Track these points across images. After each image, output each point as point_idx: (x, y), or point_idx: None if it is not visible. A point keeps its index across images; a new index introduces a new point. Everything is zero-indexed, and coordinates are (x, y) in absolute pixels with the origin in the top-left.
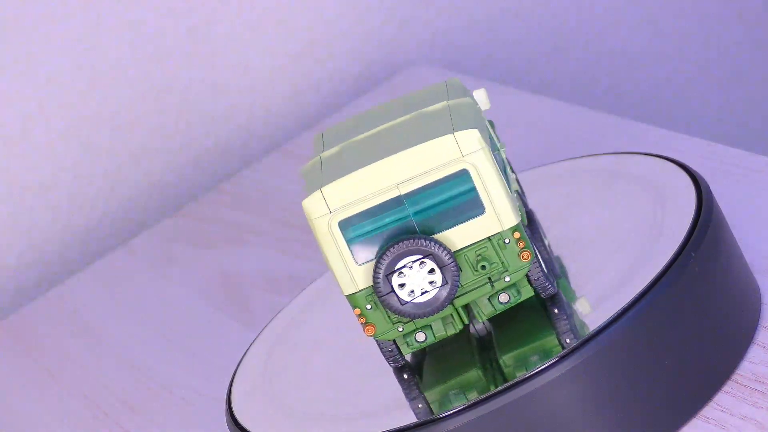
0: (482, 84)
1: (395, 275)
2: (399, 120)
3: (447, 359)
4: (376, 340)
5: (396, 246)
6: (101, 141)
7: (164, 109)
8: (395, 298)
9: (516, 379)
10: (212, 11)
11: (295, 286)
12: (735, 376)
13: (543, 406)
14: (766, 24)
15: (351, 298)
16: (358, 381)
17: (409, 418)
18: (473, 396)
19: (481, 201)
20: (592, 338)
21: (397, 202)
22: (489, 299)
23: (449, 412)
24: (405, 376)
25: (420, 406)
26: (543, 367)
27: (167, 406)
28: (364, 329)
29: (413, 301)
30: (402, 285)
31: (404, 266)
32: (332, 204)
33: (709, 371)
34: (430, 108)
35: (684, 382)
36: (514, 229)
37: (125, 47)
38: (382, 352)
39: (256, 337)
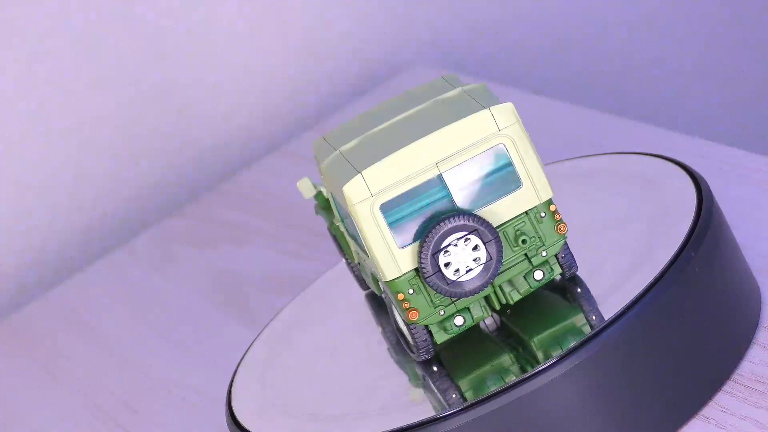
0: None
1: (441, 254)
2: (415, 109)
3: (468, 351)
4: (410, 331)
5: (441, 224)
6: (101, 141)
7: (164, 109)
8: (442, 277)
9: (516, 379)
10: (212, 11)
11: (295, 286)
12: (735, 376)
13: (543, 406)
14: (766, 24)
15: (393, 283)
16: (358, 381)
17: (410, 418)
18: (510, 378)
19: (518, 175)
20: (592, 338)
21: (436, 181)
22: (525, 276)
23: (449, 412)
24: (434, 368)
25: (454, 395)
26: (543, 367)
27: (167, 406)
28: (407, 314)
29: (459, 279)
30: (447, 264)
31: (450, 244)
32: (373, 187)
33: (709, 371)
34: (446, 95)
35: (684, 382)
36: (550, 202)
37: (125, 47)
38: (415, 343)
39: (256, 337)
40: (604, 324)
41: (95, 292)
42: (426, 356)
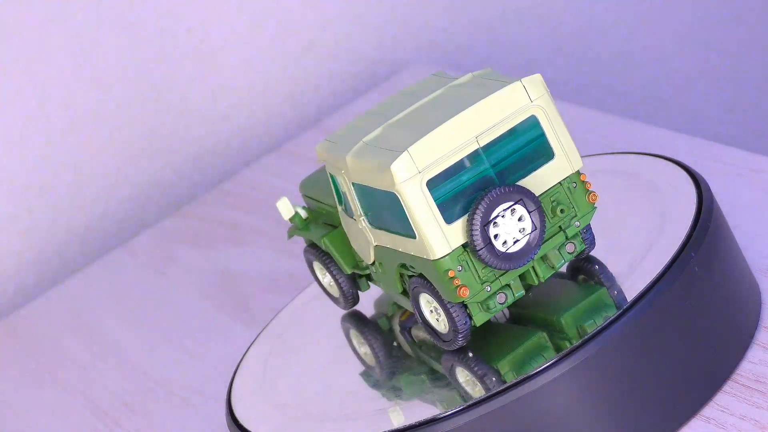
0: None
1: (490, 226)
2: (431, 97)
3: (491, 339)
4: (451, 315)
5: (489, 195)
6: (101, 141)
7: (164, 109)
8: (492, 249)
9: (516, 380)
10: (212, 11)
11: (295, 286)
12: (735, 376)
13: (543, 406)
14: (766, 24)
15: (440, 262)
16: (358, 381)
17: (410, 418)
18: (550, 355)
19: (550, 145)
20: (592, 338)
21: (475, 155)
22: (558, 249)
23: (449, 412)
24: (470, 353)
25: (494, 378)
26: (543, 367)
27: (167, 406)
28: (458, 292)
29: (508, 251)
30: (495, 236)
31: (497, 216)
32: (420, 163)
33: (709, 371)
34: (458, 81)
35: (684, 382)
36: (579, 172)
37: (125, 47)
38: (455, 328)
39: (256, 337)
40: (604, 324)
41: (95, 292)
42: (463, 342)
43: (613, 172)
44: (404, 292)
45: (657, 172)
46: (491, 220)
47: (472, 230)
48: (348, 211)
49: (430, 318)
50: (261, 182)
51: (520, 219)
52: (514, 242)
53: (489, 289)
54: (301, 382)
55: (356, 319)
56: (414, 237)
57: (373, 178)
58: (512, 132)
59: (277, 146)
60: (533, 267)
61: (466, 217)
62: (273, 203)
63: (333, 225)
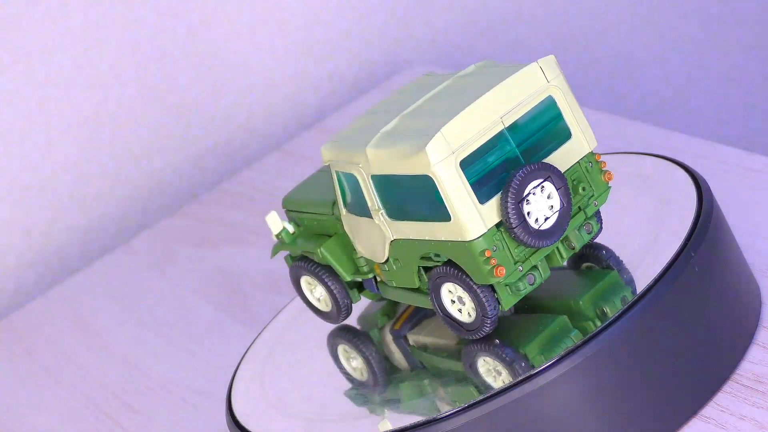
0: None
1: (523, 204)
2: (440, 88)
3: (513, 326)
4: (480, 299)
5: (521, 172)
6: (101, 141)
7: (164, 109)
8: (527, 227)
9: (516, 380)
10: (212, 11)
11: None
12: (735, 376)
13: (543, 406)
14: (765, 24)
15: (475, 243)
16: (358, 381)
17: (410, 418)
18: (578, 338)
19: (567, 125)
20: (592, 338)
21: (501, 135)
22: (578, 230)
23: (449, 413)
24: (497, 340)
25: (523, 364)
26: (543, 367)
27: (167, 406)
28: (494, 272)
29: (540, 228)
30: (528, 214)
31: (529, 193)
32: (453, 144)
33: (709, 371)
34: (464, 72)
35: (684, 382)
36: (592, 152)
37: (125, 47)
38: (485, 314)
39: (256, 337)
40: (604, 324)
41: (95, 292)
42: (491, 328)
43: (613, 172)
44: (416, 290)
45: (657, 172)
46: (524, 198)
47: (508, 207)
48: (357, 211)
49: (452, 309)
50: (261, 182)
51: (548, 197)
52: (545, 219)
53: (521, 269)
54: (301, 382)
55: (346, 333)
56: (448, 219)
57: (400, 165)
58: (533, 112)
59: (277, 146)
60: (558, 247)
61: (498, 196)
62: (273, 203)
63: (324, 235)
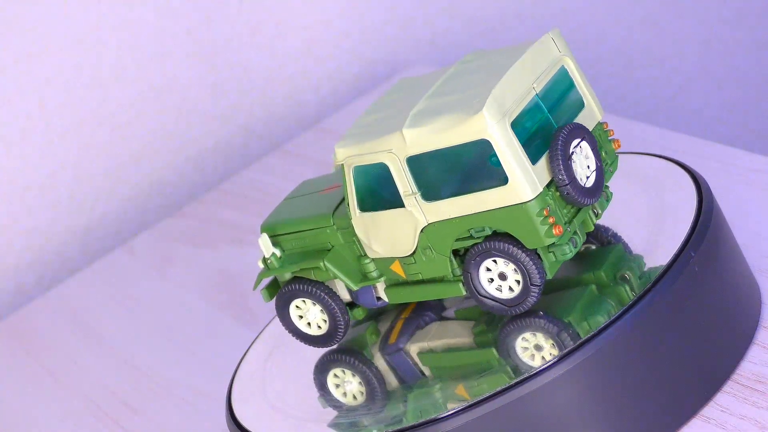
0: None
1: (570, 162)
2: (448, 74)
3: (544, 304)
4: (528, 267)
5: (563, 131)
6: (101, 141)
7: (164, 109)
8: (577, 184)
9: (516, 380)
10: (212, 11)
11: None
12: (735, 376)
13: (543, 406)
14: (766, 24)
15: (533, 203)
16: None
17: (410, 418)
18: (624, 304)
19: (580, 94)
20: (592, 338)
21: (534, 102)
22: None
23: (449, 413)
24: (541, 312)
25: (570, 331)
26: (543, 367)
27: (167, 406)
28: (553, 230)
29: (585, 185)
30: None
31: (572, 152)
32: (504, 106)
33: (709, 371)
34: (462, 61)
35: (684, 382)
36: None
37: (125, 47)
38: (532, 282)
39: (256, 337)
40: (604, 324)
41: (95, 292)
42: (537, 299)
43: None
44: (440, 281)
45: (657, 172)
46: (570, 156)
47: (561, 165)
48: (379, 205)
49: (490, 289)
50: (261, 182)
51: (586, 156)
52: (587, 178)
53: (569, 229)
54: (301, 382)
55: (335, 358)
56: (504, 183)
57: (448, 137)
58: (552, 81)
59: (277, 146)
60: (588, 211)
61: (545, 157)
62: (273, 203)
63: (318, 251)
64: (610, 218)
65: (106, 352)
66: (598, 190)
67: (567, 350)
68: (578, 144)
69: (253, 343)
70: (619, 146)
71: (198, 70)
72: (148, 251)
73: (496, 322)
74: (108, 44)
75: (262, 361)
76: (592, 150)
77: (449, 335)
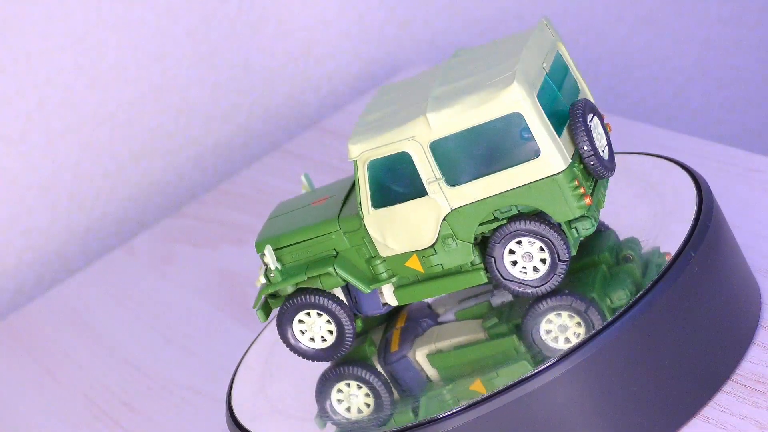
0: None
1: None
2: (448, 65)
3: (561, 286)
4: (556, 243)
5: (579, 104)
6: (101, 141)
7: (164, 109)
8: (599, 155)
9: (516, 380)
10: (212, 11)
11: None
12: (735, 376)
13: (543, 406)
14: (765, 24)
15: (564, 174)
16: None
17: (410, 418)
18: (637, 281)
19: (575, 80)
20: (592, 338)
21: (546, 81)
22: None
23: (449, 413)
24: (566, 291)
25: (596, 308)
26: (543, 367)
27: (167, 406)
28: (584, 199)
29: (603, 155)
30: None
31: (591, 125)
32: (529, 80)
33: (709, 371)
34: (457, 54)
35: (684, 382)
36: None
37: (125, 47)
38: (560, 259)
39: (256, 337)
40: (604, 324)
41: (95, 292)
42: (563, 276)
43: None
44: (457, 272)
45: (657, 172)
46: (589, 129)
47: (586, 136)
48: (397, 198)
49: (514, 271)
50: (261, 182)
51: (599, 132)
52: (602, 151)
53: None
54: (301, 382)
55: (338, 371)
56: (535, 156)
57: (478, 115)
58: (554, 64)
59: (277, 146)
60: (600, 189)
61: (566, 130)
62: (273, 203)
63: (321, 259)
64: (611, 218)
65: (106, 352)
66: (613, 164)
67: (567, 350)
68: (593, 117)
69: (253, 343)
70: (610, 130)
71: (198, 70)
72: (148, 251)
73: (509, 314)
74: (108, 44)
75: (262, 361)
76: (601, 125)
77: (457, 335)
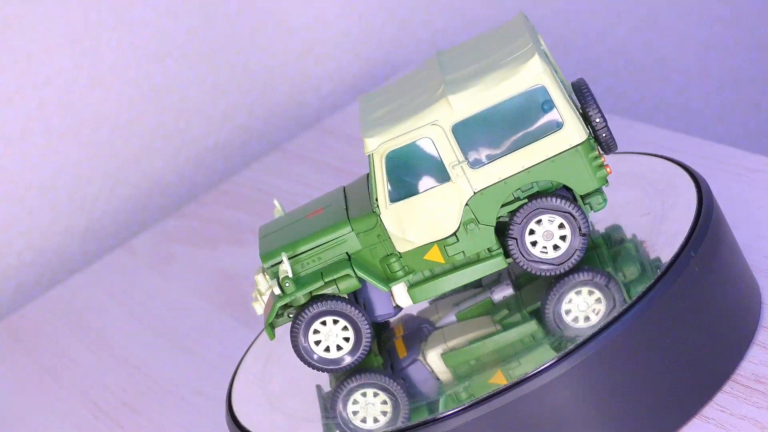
0: None
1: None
2: (438, 64)
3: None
4: (576, 214)
5: (583, 81)
6: (101, 141)
7: (164, 109)
8: (609, 128)
9: (516, 380)
10: (212, 11)
11: None
12: (735, 376)
13: (543, 406)
14: (766, 24)
15: (586, 144)
16: (357, 381)
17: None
18: (638, 257)
19: (555, 65)
20: (592, 338)
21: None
22: None
23: (449, 413)
24: (585, 267)
25: (615, 282)
26: (543, 367)
27: (167, 406)
28: (606, 168)
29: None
30: None
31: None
32: (544, 62)
33: (709, 371)
34: (440, 53)
35: (684, 382)
36: None
37: (125, 47)
38: (581, 232)
39: (256, 337)
40: (604, 324)
41: (95, 292)
42: (583, 252)
43: (613, 171)
44: (477, 261)
45: (657, 172)
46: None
47: (598, 108)
48: (418, 187)
49: (535, 251)
50: (261, 182)
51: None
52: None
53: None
54: (301, 382)
55: (350, 382)
56: (558, 128)
57: (500, 92)
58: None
59: (277, 146)
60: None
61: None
62: (273, 203)
63: (334, 264)
64: (611, 218)
65: (106, 352)
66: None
67: (567, 350)
68: (592, 94)
69: (253, 343)
70: None
71: (198, 70)
72: (148, 251)
73: (519, 303)
74: (108, 44)
75: (262, 361)
76: (597, 103)
77: (466, 333)
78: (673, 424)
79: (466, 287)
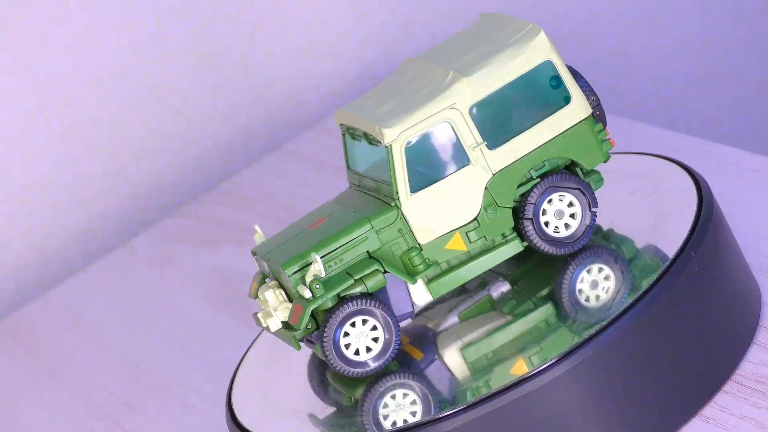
0: None
1: None
2: (427, 60)
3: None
4: (586, 189)
5: (569, 67)
6: (101, 141)
7: (164, 109)
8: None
9: (516, 379)
10: (212, 11)
11: None
12: (735, 376)
13: (543, 406)
14: (766, 24)
15: (588, 120)
16: (357, 381)
17: (409, 419)
18: (656, 276)
19: None
20: (592, 338)
21: None
22: None
23: (449, 413)
24: (591, 245)
25: (622, 257)
26: (543, 367)
27: (167, 406)
28: (610, 142)
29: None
30: None
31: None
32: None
33: (709, 371)
34: (418, 57)
35: (684, 382)
36: None
37: (125, 47)
38: (592, 206)
39: (257, 337)
40: (604, 324)
41: (95, 292)
42: (592, 228)
43: (613, 171)
44: (493, 248)
45: (657, 172)
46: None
47: (591, 88)
48: (437, 174)
49: (549, 231)
50: (261, 182)
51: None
52: None
53: None
54: (301, 382)
55: (377, 386)
56: (567, 102)
57: (511, 70)
58: None
59: (277, 146)
60: None
61: None
62: (273, 203)
63: (357, 263)
64: (611, 218)
65: (106, 352)
66: None
67: (567, 350)
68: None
69: (253, 343)
70: None
71: (198, 70)
72: (148, 251)
73: (525, 293)
74: (108, 44)
75: (262, 361)
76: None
77: (478, 327)
78: (673, 424)
79: (458, 290)
